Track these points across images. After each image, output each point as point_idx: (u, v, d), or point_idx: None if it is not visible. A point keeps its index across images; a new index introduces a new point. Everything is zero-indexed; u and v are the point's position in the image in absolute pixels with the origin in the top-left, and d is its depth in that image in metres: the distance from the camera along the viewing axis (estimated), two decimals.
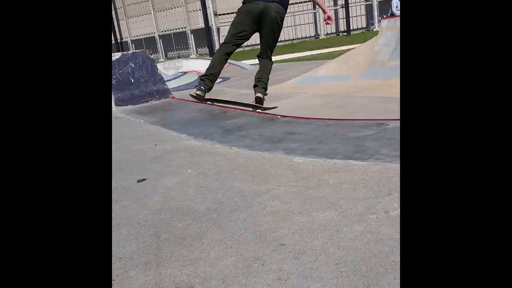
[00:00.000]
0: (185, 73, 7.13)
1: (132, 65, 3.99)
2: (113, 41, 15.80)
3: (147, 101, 4.06)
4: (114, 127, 3.18)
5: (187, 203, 1.55)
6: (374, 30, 12.48)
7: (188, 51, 14.91)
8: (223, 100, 3.59)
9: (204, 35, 14.16)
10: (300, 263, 1.08)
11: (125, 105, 3.93)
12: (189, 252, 1.20)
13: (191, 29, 14.60)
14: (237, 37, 3.32)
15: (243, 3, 3.25)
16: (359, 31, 13.38)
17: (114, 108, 3.87)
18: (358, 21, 13.77)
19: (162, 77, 4.29)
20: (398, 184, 1.35)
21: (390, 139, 2.00)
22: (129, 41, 16.06)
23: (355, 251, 1.10)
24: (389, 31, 4.25)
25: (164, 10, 15.08)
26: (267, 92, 3.25)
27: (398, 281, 0.95)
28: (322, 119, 2.63)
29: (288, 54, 9.56)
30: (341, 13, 13.62)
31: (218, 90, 4.79)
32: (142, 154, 2.30)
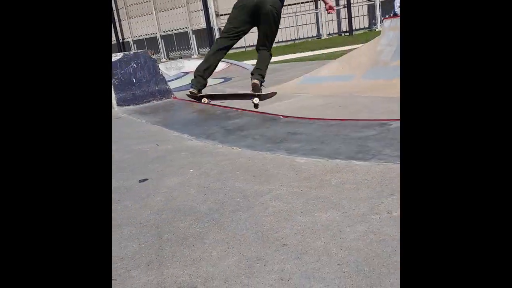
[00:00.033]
0: (187, 73, 7.13)
1: (134, 65, 4.00)
2: (115, 42, 15.83)
3: (149, 101, 4.06)
4: (116, 127, 3.18)
5: (189, 203, 1.55)
6: (377, 30, 12.47)
7: (189, 51, 14.92)
8: (219, 94, 3.59)
9: (206, 35, 14.17)
10: (303, 263, 1.07)
11: (127, 105, 3.93)
12: (191, 252, 1.20)
13: (193, 29, 14.62)
14: (233, 33, 3.32)
15: None
16: (362, 31, 13.37)
17: (116, 108, 3.88)
18: (360, 21, 13.76)
19: (164, 77, 4.29)
20: None
21: (392, 139, 1.99)
22: (131, 42, 16.09)
23: (358, 252, 1.09)
24: (391, 31, 4.24)
25: (165, 11, 15.11)
26: (264, 79, 3.24)
27: None
28: (324, 119, 2.62)
29: (290, 54, 9.56)
30: (343, 13, 13.61)
31: (220, 91, 4.79)
32: (144, 154, 2.30)
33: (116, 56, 3.92)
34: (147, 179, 1.87)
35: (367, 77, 4.08)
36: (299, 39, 13.70)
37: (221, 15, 14.31)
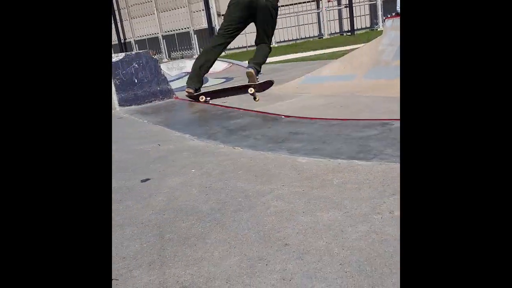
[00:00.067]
0: (188, 73, 7.13)
1: (136, 65, 4.00)
2: (116, 42, 15.85)
3: (151, 101, 4.07)
4: (117, 127, 3.19)
5: (191, 203, 1.55)
6: (378, 29, 12.44)
7: (191, 51, 14.92)
8: (215, 90, 3.58)
9: (208, 36, 14.16)
10: (304, 263, 1.07)
11: (129, 105, 3.94)
12: (193, 252, 1.20)
13: (195, 29, 14.61)
14: (229, 30, 3.31)
15: None
16: (363, 31, 13.34)
17: (117, 108, 3.88)
18: (362, 21, 13.73)
19: (165, 77, 4.30)
20: None
21: (394, 139, 1.99)
22: (133, 42, 16.10)
23: (360, 251, 1.09)
24: (393, 31, 4.23)
25: (167, 11, 15.11)
26: (260, 70, 3.22)
27: None
28: (326, 119, 2.62)
29: (291, 54, 9.55)
30: (345, 12, 13.58)
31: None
32: (146, 154, 2.30)
33: (117, 57, 3.93)
34: (149, 179, 1.87)
35: (368, 77, 4.07)
36: (301, 38, 13.68)
37: (223, 15, 14.29)
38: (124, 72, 3.93)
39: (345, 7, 13.58)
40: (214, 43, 3.41)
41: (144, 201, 1.63)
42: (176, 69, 7.60)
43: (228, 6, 3.33)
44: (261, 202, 1.48)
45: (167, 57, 15.32)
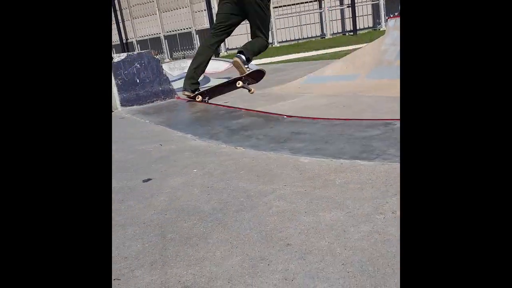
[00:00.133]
0: None
1: (138, 65, 4.01)
2: (118, 42, 15.87)
3: (153, 102, 4.07)
4: (119, 127, 3.19)
5: (193, 203, 1.55)
6: (381, 29, 12.42)
7: (193, 51, 14.92)
8: (209, 88, 3.57)
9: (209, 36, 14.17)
10: (307, 263, 1.07)
11: (131, 106, 3.94)
12: (195, 252, 1.19)
13: (196, 29, 14.61)
14: (221, 27, 3.30)
15: None
16: (366, 31, 13.31)
17: (119, 108, 3.89)
18: (364, 21, 13.70)
19: (167, 77, 4.30)
20: None
21: (397, 139, 1.98)
22: (135, 42, 16.12)
23: (362, 251, 1.09)
24: (396, 31, 4.22)
25: (169, 11, 15.12)
26: (250, 57, 3.15)
27: None
28: (328, 119, 2.62)
29: (293, 54, 9.53)
30: (347, 12, 13.56)
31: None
32: (148, 154, 2.31)
33: (119, 57, 3.93)
34: (151, 179, 1.87)
35: (371, 77, 4.06)
36: (303, 38, 13.66)
37: None
38: (126, 72, 3.94)
39: (348, 7, 13.55)
40: (207, 43, 3.41)
41: (146, 201, 1.63)
42: (178, 69, 7.60)
43: (219, 4, 3.34)
44: (263, 202, 1.47)
45: (169, 57, 15.34)
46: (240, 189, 1.62)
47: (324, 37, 13.63)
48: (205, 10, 14.07)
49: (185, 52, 15.05)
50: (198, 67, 3.40)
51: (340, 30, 13.76)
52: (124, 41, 16.18)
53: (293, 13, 13.20)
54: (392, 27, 4.35)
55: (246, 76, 3.19)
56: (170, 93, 4.21)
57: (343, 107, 3.09)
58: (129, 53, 4.09)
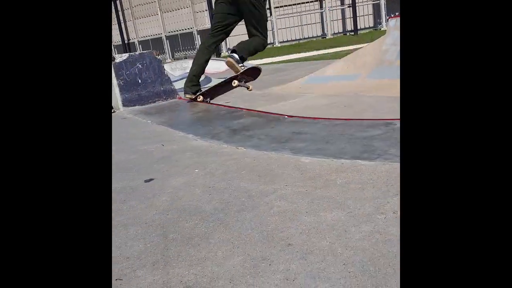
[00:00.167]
0: None
1: (139, 66, 4.01)
2: (120, 42, 15.89)
3: (154, 102, 4.08)
4: (121, 127, 3.20)
5: (194, 203, 1.56)
6: (382, 29, 12.40)
7: (194, 51, 14.92)
8: (209, 89, 3.57)
9: None
10: (308, 263, 1.07)
11: (133, 106, 3.95)
12: (197, 252, 1.20)
13: (198, 29, 14.62)
14: (218, 28, 3.30)
15: None
16: (367, 31, 13.29)
17: (121, 108, 3.89)
18: (365, 21, 13.68)
19: (169, 77, 4.31)
20: None
21: (398, 139, 1.98)
22: (136, 42, 16.14)
23: (363, 252, 1.09)
24: (396, 31, 4.21)
25: (170, 11, 15.13)
26: (244, 56, 3.14)
27: None
28: (329, 119, 2.62)
29: (294, 54, 9.53)
30: (348, 12, 13.55)
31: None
32: (150, 155, 2.31)
33: (121, 57, 3.94)
34: (153, 179, 1.88)
35: (372, 77, 4.06)
36: (304, 38, 13.65)
37: None
38: (128, 72, 3.95)
39: (348, 6, 13.54)
40: (205, 44, 3.41)
41: (147, 201, 1.63)
42: (180, 69, 7.61)
43: (215, 5, 3.34)
44: (264, 202, 1.48)
45: (171, 57, 15.34)
46: (242, 189, 1.63)
47: (325, 37, 13.62)
48: (206, 10, 14.08)
49: (186, 52, 15.05)
50: (198, 69, 3.41)
51: (341, 30, 13.75)
52: (126, 42, 16.20)
53: (294, 13, 13.20)
54: (393, 27, 4.35)
55: (241, 74, 3.18)
56: (172, 93, 4.22)
57: (344, 107, 3.09)
58: (131, 53, 4.10)
